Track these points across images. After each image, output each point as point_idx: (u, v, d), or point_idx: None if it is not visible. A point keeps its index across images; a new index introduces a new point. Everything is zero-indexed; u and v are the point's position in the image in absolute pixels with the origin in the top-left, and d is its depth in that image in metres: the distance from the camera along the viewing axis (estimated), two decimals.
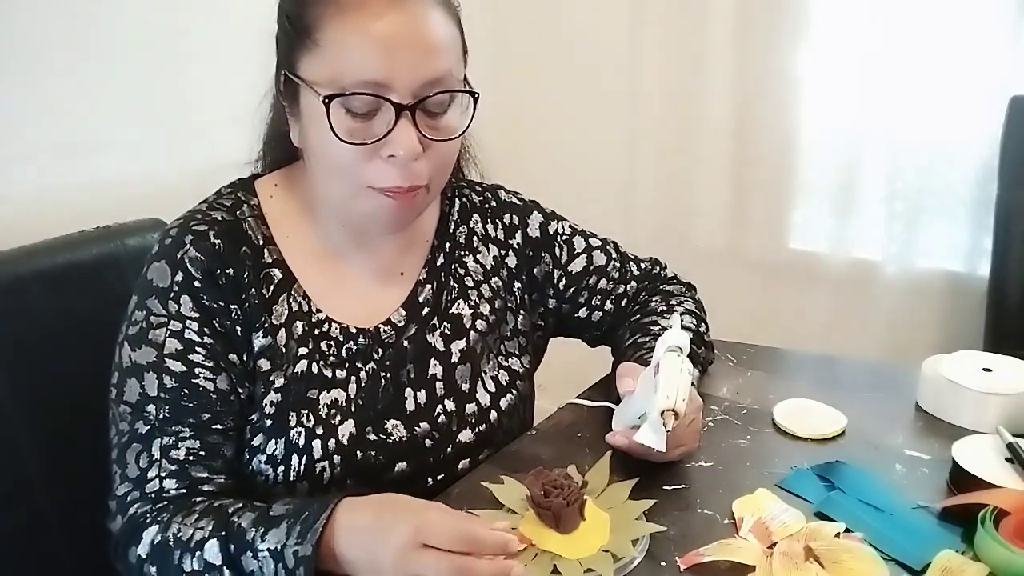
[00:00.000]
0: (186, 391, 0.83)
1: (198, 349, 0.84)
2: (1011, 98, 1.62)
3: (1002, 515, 0.75)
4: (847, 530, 0.78)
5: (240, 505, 0.79)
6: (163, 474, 0.82)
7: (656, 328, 1.03)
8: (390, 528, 0.70)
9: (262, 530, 0.74)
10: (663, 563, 0.76)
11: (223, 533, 0.75)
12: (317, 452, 0.86)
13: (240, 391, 0.87)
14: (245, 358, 0.87)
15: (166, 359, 0.83)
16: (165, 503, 0.81)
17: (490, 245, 1.03)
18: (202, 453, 0.83)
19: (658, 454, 0.83)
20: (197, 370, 0.84)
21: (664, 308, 1.08)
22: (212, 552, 0.75)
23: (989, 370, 1.00)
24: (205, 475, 0.83)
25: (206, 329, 0.85)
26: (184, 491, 0.82)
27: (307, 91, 0.82)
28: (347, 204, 0.87)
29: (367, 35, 0.79)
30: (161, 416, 0.83)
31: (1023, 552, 0.71)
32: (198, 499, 0.82)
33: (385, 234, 0.94)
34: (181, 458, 0.82)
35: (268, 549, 0.73)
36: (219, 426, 0.85)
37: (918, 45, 1.70)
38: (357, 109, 0.81)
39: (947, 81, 1.70)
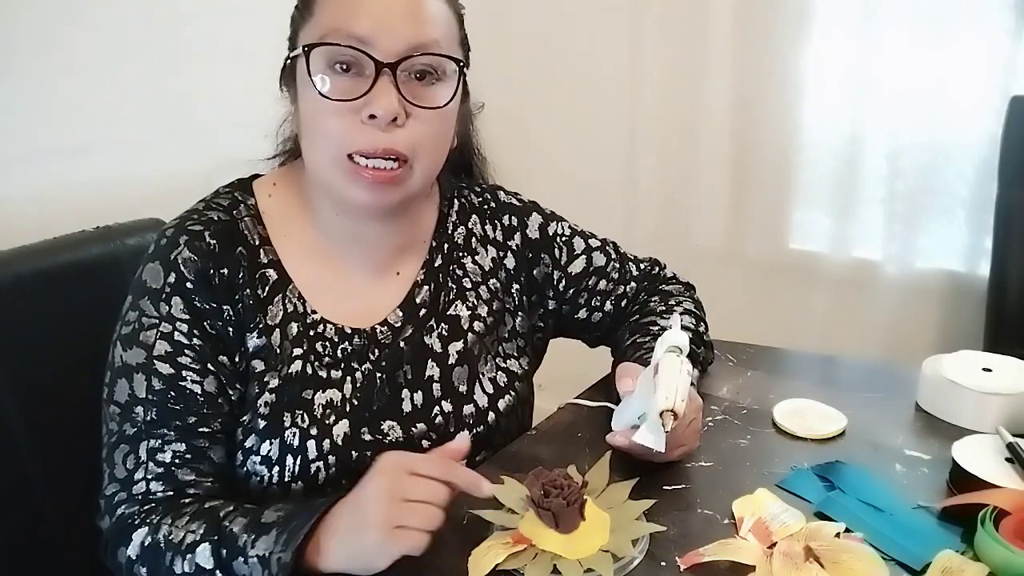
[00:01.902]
0: (173, 394, 0.83)
1: (187, 352, 0.84)
2: (1011, 98, 1.62)
3: (1002, 515, 0.75)
4: (847, 530, 0.78)
5: (231, 508, 0.79)
6: (149, 476, 0.82)
7: (655, 328, 1.03)
8: (378, 467, 0.75)
9: (253, 536, 0.74)
10: (663, 563, 0.76)
11: (215, 537, 0.75)
12: (312, 453, 0.86)
13: (230, 393, 0.86)
14: (238, 359, 0.87)
15: (155, 361, 0.83)
16: (153, 505, 0.81)
17: (488, 246, 1.03)
18: (188, 456, 0.83)
19: (658, 454, 0.83)
20: (185, 373, 0.84)
21: (663, 308, 1.08)
22: (203, 556, 0.75)
23: (989, 370, 1.00)
24: (192, 478, 0.83)
25: (196, 331, 0.85)
26: (171, 494, 0.82)
27: (300, 59, 0.84)
28: (329, 174, 0.86)
29: None
30: (148, 418, 0.83)
31: (1023, 552, 0.71)
32: (186, 500, 0.82)
33: (368, 213, 0.90)
34: (167, 461, 0.82)
35: (257, 556, 0.73)
36: (206, 429, 0.84)
37: (918, 45, 1.70)
38: (340, 61, 0.82)
39: (947, 81, 1.70)
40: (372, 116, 0.82)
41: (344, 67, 0.83)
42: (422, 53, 0.83)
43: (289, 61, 0.88)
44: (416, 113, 0.84)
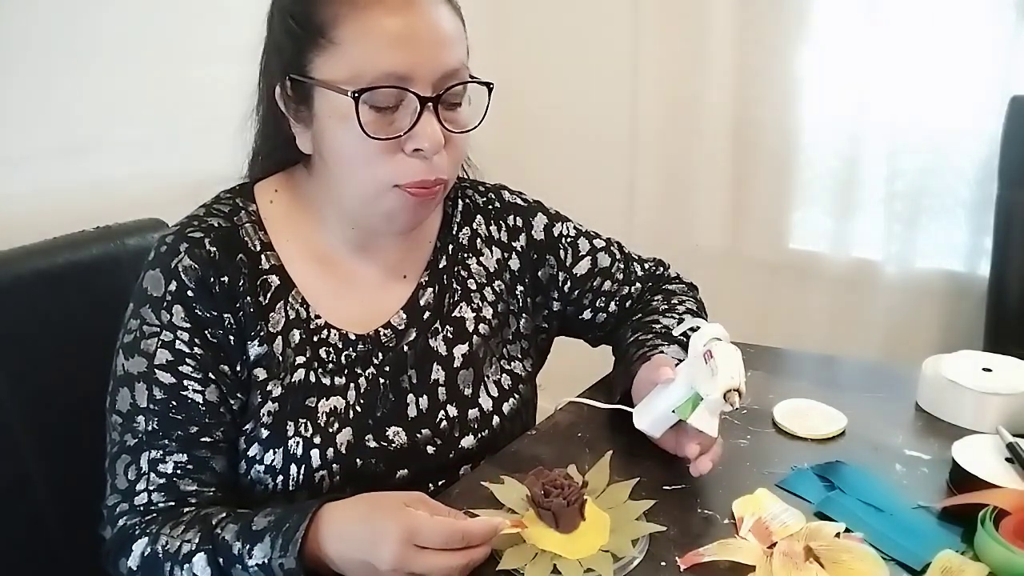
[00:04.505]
0: (174, 403, 0.83)
1: (188, 360, 0.84)
2: (1011, 98, 1.62)
3: (1002, 515, 0.75)
4: (847, 530, 0.78)
5: (224, 515, 0.79)
6: (151, 487, 0.82)
7: (657, 326, 1.03)
8: (379, 534, 0.70)
9: (248, 546, 0.74)
10: (663, 563, 0.76)
11: (209, 547, 0.75)
12: (316, 461, 0.85)
13: (232, 402, 0.86)
14: (239, 368, 0.86)
15: (156, 370, 0.83)
16: (153, 515, 0.81)
17: (493, 247, 1.03)
18: (190, 467, 0.83)
19: (708, 437, 0.83)
20: (186, 382, 0.83)
21: (666, 307, 1.08)
22: (200, 566, 0.75)
23: (989, 370, 1.00)
24: (193, 488, 0.83)
25: (197, 340, 0.84)
26: (172, 504, 0.82)
27: (325, 92, 0.82)
28: (368, 205, 0.86)
29: (387, 30, 0.80)
30: (150, 428, 0.82)
31: (1023, 552, 0.71)
32: (187, 510, 0.82)
33: (399, 234, 0.93)
34: (169, 472, 0.82)
35: (257, 564, 0.73)
36: (208, 439, 0.84)
37: (918, 45, 1.70)
38: (380, 103, 0.81)
39: (947, 81, 1.70)
40: (417, 149, 0.82)
41: (385, 104, 0.81)
42: (459, 83, 0.83)
43: (290, 82, 0.84)
44: (451, 137, 0.84)
